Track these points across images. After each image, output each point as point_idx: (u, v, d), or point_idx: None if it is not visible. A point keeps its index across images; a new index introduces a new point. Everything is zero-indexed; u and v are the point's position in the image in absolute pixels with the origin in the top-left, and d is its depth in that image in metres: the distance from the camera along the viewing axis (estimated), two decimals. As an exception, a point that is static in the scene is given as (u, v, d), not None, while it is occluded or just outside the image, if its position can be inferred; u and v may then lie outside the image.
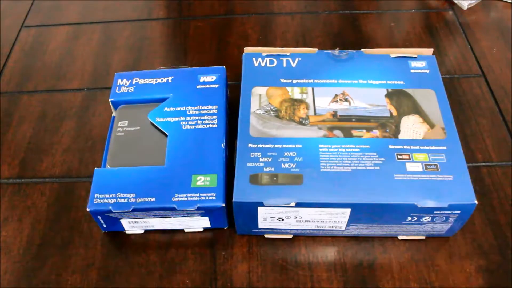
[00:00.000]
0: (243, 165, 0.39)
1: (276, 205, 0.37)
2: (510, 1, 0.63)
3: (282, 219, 0.39)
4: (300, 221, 0.39)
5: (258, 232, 0.41)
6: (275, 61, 0.46)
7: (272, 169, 0.38)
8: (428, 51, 0.47)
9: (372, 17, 0.62)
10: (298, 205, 0.37)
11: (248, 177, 0.38)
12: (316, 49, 0.47)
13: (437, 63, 0.47)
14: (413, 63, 0.46)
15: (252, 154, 0.39)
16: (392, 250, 0.41)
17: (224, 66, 0.49)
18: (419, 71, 0.45)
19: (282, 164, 0.39)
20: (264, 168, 0.39)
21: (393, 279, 0.40)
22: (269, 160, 0.39)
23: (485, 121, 0.50)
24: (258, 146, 0.40)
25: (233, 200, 0.37)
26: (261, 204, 0.37)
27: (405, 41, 0.59)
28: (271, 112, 0.42)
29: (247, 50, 0.47)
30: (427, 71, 0.45)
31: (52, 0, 0.67)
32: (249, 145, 0.40)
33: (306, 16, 0.63)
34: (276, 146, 0.40)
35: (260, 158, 0.39)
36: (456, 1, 0.63)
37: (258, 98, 0.43)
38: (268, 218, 0.39)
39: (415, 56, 0.46)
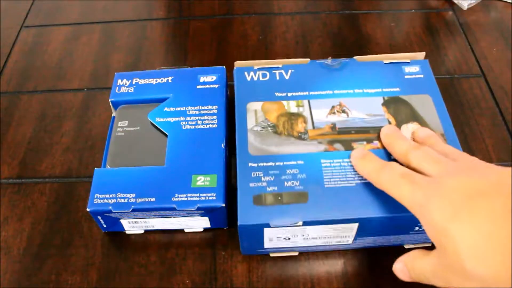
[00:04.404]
0: (245, 186, 0.38)
1: (282, 225, 0.36)
2: (510, 1, 0.63)
3: (289, 238, 0.38)
4: (307, 238, 0.38)
5: (263, 252, 0.40)
6: (268, 74, 0.45)
7: (276, 188, 0.37)
8: (421, 55, 0.46)
9: (372, 17, 0.62)
10: (305, 223, 0.36)
11: (251, 198, 0.37)
12: (308, 59, 0.46)
13: (430, 66, 0.46)
14: (407, 69, 0.45)
15: (254, 174, 0.38)
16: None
17: (224, 66, 0.49)
18: (413, 76, 0.45)
19: (285, 182, 0.38)
20: (267, 188, 0.37)
21: (394, 280, 0.40)
22: (272, 179, 0.38)
23: (485, 121, 0.50)
24: (259, 165, 0.39)
25: (238, 223, 0.36)
26: (268, 226, 0.36)
27: (405, 41, 0.59)
28: (269, 128, 0.41)
29: (238, 64, 0.46)
30: (421, 76, 0.45)
31: (52, 0, 0.67)
32: (250, 164, 0.39)
33: (306, 16, 0.63)
34: (277, 163, 0.39)
35: (262, 178, 0.38)
36: (456, 1, 0.63)
37: (254, 114, 0.42)
38: (275, 238, 0.38)
39: (408, 61, 0.46)
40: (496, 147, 0.48)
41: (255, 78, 0.45)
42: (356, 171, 0.38)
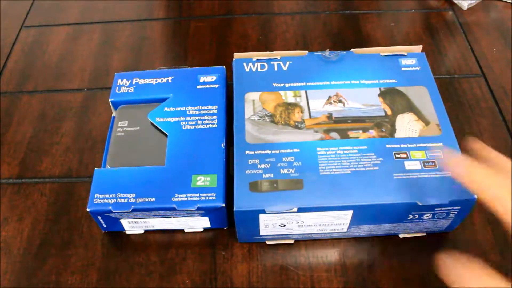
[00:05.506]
0: (242, 173, 0.38)
1: (278, 211, 0.37)
2: (510, 1, 0.63)
3: (284, 225, 0.39)
4: (302, 225, 0.39)
5: (259, 239, 0.41)
6: (266, 65, 0.46)
7: (272, 175, 0.38)
8: (418, 48, 0.47)
9: (372, 17, 0.62)
10: (300, 210, 0.37)
11: (247, 184, 0.38)
12: (306, 52, 0.47)
13: (430, 66, 0.46)
14: (404, 61, 0.46)
15: (250, 161, 0.39)
16: (392, 250, 0.41)
17: (224, 66, 0.49)
18: (410, 68, 0.45)
19: (281, 170, 0.38)
20: (263, 175, 0.38)
21: (393, 279, 0.40)
22: (268, 167, 0.39)
23: (485, 121, 0.50)
24: (256, 152, 0.40)
25: (234, 209, 0.37)
26: (263, 212, 0.37)
27: (405, 41, 0.59)
28: (266, 118, 0.42)
29: (237, 55, 0.47)
30: (418, 68, 0.45)
31: (52, 0, 0.67)
32: (246, 152, 0.40)
33: (306, 16, 0.63)
34: (273, 151, 0.40)
35: (259, 165, 0.39)
36: (456, 1, 0.63)
37: (252, 104, 0.43)
38: (270, 225, 0.38)
39: (405, 53, 0.46)
40: (496, 147, 0.48)
41: (254, 69, 0.46)
42: (351, 159, 0.39)
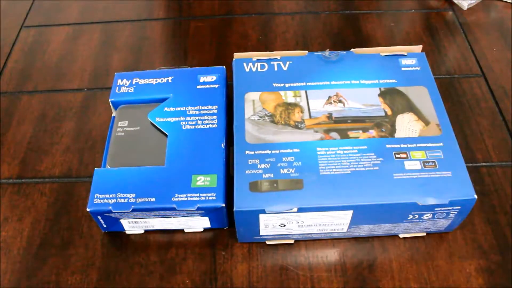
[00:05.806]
0: (242, 173, 0.38)
1: (278, 211, 0.37)
2: (510, 1, 0.63)
3: (284, 225, 0.39)
4: (302, 225, 0.39)
5: (259, 239, 0.41)
6: (266, 65, 0.46)
7: (272, 175, 0.38)
8: (418, 48, 0.47)
9: (372, 17, 0.62)
10: (300, 210, 0.37)
11: (247, 184, 0.38)
12: (306, 52, 0.47)
13: (430, 66, 0.47)
14: (404, 61, 0.46)
15: (250, 161, 0.39)
16: (392, 250, 0.41)
17: (224, 66, 0.49)
18: (410, 68, 0.45)
19: (281, 170, 0.38)
20: (263, 175, 0.38)
21: (393, 279, 0.40)
22: (268, 167, 0.39)
23: (485, 121, 0.51)
24: (256, 152, 0.40)
25: (234, 209, 0.37)
26: (263, 212, 0.37)
27: (405, 41, 0.59)
28: (266, 118, 0.42)
29: (237, 55, 0.47)
30: (418, 68, 0.45)
31: (52, 0, 0.67)
32: (246, 152, 0.40)
33: (306, 16, 0.63)
34: (273, 151, 0.40)
35: (259, 165, 0.39)
36: (456, 1, 0.63)
37: (252, 104, 0.43)
38: (270, 225, 0.39)
39: (405, 53, 0.46)
40: (496, 147, 0.48)
41: (254, 69, 0.46)
42: (351, 159, 0.39)
